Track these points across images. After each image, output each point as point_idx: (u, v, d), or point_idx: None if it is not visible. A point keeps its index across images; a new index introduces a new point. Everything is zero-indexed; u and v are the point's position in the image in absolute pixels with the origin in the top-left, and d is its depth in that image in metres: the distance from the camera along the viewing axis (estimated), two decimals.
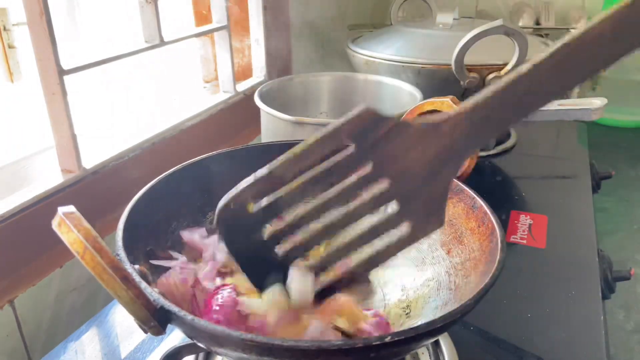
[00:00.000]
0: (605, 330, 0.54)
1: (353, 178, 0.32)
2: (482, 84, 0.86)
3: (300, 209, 0.33)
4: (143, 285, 0.33)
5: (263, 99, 0.75)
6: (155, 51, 0.83)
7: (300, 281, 0.34)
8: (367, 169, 0.32)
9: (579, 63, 0.28)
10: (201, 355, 0.48)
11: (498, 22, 0.77)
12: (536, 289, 0.61)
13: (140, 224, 0.41)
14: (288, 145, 0.57)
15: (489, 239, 0.41)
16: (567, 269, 0.64)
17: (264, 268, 0.35)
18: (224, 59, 1.02)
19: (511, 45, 0.81)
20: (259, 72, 1.16)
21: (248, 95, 1.06)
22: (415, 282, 0.47)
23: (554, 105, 0.70)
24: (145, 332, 0.33)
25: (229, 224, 0.33)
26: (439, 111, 0.51)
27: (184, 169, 0.49)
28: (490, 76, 0.85)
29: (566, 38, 0.28)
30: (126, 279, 0.31)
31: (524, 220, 0.74)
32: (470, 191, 0.46)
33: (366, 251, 0.34)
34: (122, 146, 0.77)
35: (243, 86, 1.09)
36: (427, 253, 0.49)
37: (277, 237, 0.34)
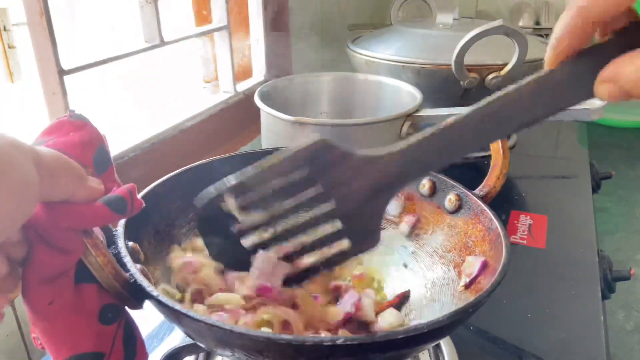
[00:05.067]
0: (605, 330, 0.54)
1: (306, 195, 0.37)
2: (482, 84, 0.86)
3: (263, 214, 0.38)
4: (127, 259, 0.34)
5: (263, 99, 0.75)
6: (155, 51, 0.83)
7: (263, 261, 0.39)
8: (318, 189, 0.37)
9: (497, 123, 0.33)
10: (201, 355, 0.48)
11: (498, 22, 0.77)
12: (536, 289, 0.61)
13: (151, 207, 0.43)
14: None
15: (495, 260, 0.41)
16: (567, 269, 0.64)
17: (233, 255, 0.40)
18: (224, 59, 1.02)
19: (511, 45, 0.81)
20: (259, 72, 1.16)
21: (248, 95, 1.06)
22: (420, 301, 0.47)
23: None
24: (123, 304, 0.34)
25: (205, 219, 0.39)
26: None
27: (209, 163, 0.51)
28: (490, 76, 0.85)
29: (489, 98, 0.32)
30: (96, 246, 0.32)
31: (524, 220, 0.74)
32: (489, 212, 0.45)
33: (321, 254, 0.40)
34: (122, 146, 0.77)
35: (243, 86, 1.09)
36: (439, 273, 0.49)
37: (244, 233, 0.39)
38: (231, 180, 0.37)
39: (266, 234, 0.38)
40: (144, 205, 0.33)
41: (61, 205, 0.30)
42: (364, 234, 0.38)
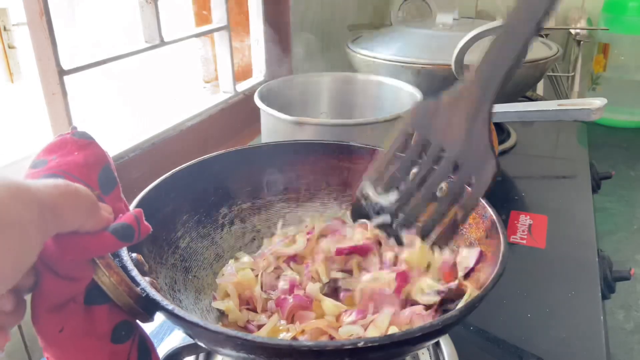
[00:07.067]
0: (605, 330, 0.54)
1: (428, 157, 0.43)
2: None
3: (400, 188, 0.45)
4: (134, 273, 0.34)
5: (263, 99, 0.74)
6: (156, 51, 0.83)
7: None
8: (431, 146, 0.43)
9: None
10: (201, 355, 0.48)
11: (498, 22, 0.77)
12: (536, 289, 0.61)
13: (146, 215, 0.43)
14: (291, 145, 0.57)
15: (492, 251, 0.41)
16: (567, 269, 0.64)
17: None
18: (224, 59, 1.02)
19: None
20: (259, 72, 1.16)
21: (248, 95, 1.06)
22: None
23: (554, 105, 0.70)
24: (135, 319, 0.34)
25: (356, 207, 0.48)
26: None
27: (198, 163, 0.52)
28: None
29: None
30: (109, 265, 0.31)
31: (523, 220, 0.74)
32: (481, 200, 0.45)
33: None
34: (122, 146, 0.77)
35: (243, 86, 1.09)
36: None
37: (390, 210, 0.45)
38: (368, 177, 0.46)
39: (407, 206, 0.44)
40: (151, 230, 0.33)
41: (68, 238, 0.29)
42: (481, 165, 0.41)
